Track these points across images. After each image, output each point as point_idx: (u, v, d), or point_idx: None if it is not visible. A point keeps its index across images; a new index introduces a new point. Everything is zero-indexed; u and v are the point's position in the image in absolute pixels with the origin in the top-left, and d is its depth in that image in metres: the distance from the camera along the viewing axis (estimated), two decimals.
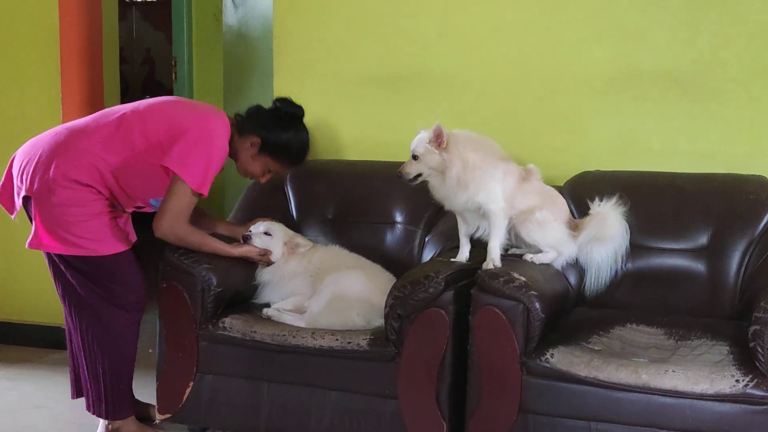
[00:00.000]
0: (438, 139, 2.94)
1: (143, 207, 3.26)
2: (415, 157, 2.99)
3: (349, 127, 3.94)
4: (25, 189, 3.10)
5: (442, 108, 3.79)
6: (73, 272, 3.12)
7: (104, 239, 3.10)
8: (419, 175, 3.01)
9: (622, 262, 3.18)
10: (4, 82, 4.48)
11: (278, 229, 3.41)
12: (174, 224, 3.11)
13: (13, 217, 3.24)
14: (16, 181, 3.17)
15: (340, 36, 3.93)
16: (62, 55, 4.37)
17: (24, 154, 3.17)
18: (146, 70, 7.76)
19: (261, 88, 5.56)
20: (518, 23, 3.68)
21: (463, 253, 3.13)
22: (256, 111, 3.32)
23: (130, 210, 3.27)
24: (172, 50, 5.99)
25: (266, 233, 3.36)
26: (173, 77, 5.90)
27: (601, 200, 3.16)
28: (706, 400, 2.55)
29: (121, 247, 3.15)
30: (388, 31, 3.86)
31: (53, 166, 3.06)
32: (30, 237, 3.11)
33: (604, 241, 3.12)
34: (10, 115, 4.46)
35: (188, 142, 3.09)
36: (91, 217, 3.08)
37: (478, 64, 3.74)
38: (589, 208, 3.18)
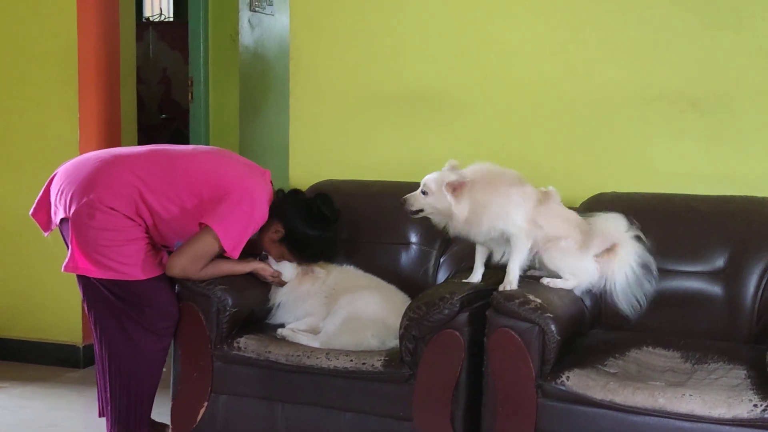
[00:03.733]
0: (457, 190, 2.91)
1: (168, 247, 3.26)
2: (424, 193, 2.97)
3: (365, 148, 3.95)
4: (63, 211, 3.11)
5: (457, 128, 3.80)
6: (106, 297, 3.12)
7: (140, 264, 3.11)
8: (421, 210, 2.99)
9: (652, 276, 3.07)
10: (23, 102, 4.52)
11: None
12: (188, 267, 3.12)
13: (46, 234, 3.27)
14: (54, 199, 3.18)
15: (356, 57, 3.95)
16: (80, 74, 4.41)
17: (66, 175, 3.18)
18: (162, 90, 7.79)
19: (277, 108, 5.61)
20: (534, 44, 3.69)
21: (476, 275, 3.12)
22: (294, 198, 3.35)
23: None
24: (189, 70, 6.01)
25: None
26: (189, 97, 5.92)
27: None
28: (724, 424, 2.52)
29: (156, 272, 3.15)
30: (405, 52, 3.87)
31: (93, 192, 3.07)
32: (66, 260, 3.12)
33: (617, 249, 3.05)
34: (29, 135, 4.49)
35: (230, 204, 3.12)
36: (128, 242, 3.09)
37: (494, 85, 3.75)
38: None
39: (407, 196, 3.00)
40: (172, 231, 3.18)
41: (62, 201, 3.13)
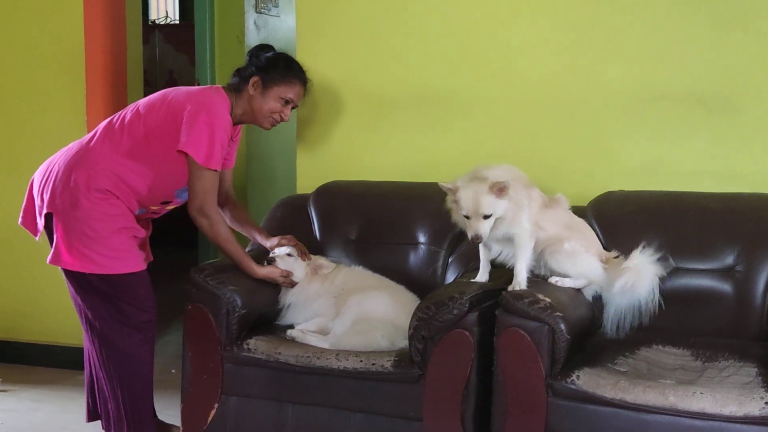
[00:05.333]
0: (503, 191, 2.86)
1: (171, 202, 3.28)
2: (486, 217, 2.88)
3: (372, 149, 3.94)
4: (47, 206, 3.12)
5: (463, 129, 3.79)
6: (85, 292, 3.13)
7: (123, 258, 3.12)
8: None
9: (645, 315, 3.09)
10: (31, 105, 4.53)
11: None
12: (203, 204, 3.16)
13: (37, 238, 3.27)
14: (36, 201, 3.20)
15: (362, 58, 3.95)
16: (87, 77, 4.42)
17: (41, 174, 3.23)
18: None
19: None
20: (541, 45, 3.68)
21: (483, 275, 3.13)
22: (237, 69, 3.38)
23: (159, 209, 3.29)
24: (195, 72, 6.02)
25: (289, 254, 3.37)
26: None
27: (639, 248, 3.09)
28: (735, 422, 2.52)
29: (138, 267, 3.17)
30: (411, 53, 3.87)
31: (72, 177, 3.10)
32: (50, 253, 3.13)
33: (633, 293, 3.04)
34: (36, 137, 4.50)
35: (188, 119, 3.13)
36: (113, 233, 3.10)
37: (501, 86, 3.74)
38: (613, 229, 3.17)
39: (472, 234, 2.89)
40: (158, 179, 3.17)
41: (44, 197, 3.14)
